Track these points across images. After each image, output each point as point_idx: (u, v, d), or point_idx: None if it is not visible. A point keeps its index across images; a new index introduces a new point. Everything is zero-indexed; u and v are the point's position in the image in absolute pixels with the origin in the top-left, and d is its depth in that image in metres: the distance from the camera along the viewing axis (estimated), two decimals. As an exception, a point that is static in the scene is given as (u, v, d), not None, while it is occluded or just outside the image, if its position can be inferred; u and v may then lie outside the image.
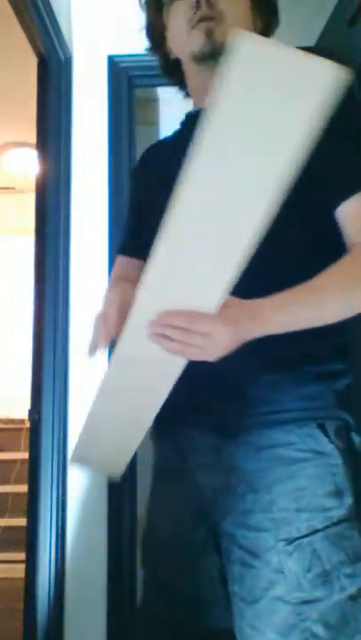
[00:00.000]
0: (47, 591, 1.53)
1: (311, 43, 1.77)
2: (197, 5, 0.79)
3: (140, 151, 1.87)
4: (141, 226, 0.96)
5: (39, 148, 1.80)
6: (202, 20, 0.80)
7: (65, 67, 1.83)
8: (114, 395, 0.74)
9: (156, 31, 0.91)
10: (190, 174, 0.53)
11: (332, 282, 0.71)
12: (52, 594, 1.53)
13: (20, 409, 3.62)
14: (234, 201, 0.55)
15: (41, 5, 1.56)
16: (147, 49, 0.96)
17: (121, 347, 0.68)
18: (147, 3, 0.91)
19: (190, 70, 0.89)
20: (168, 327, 0.62)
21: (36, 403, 1.64)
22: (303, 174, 0.75)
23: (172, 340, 0.62)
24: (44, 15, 1.60)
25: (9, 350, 4.06)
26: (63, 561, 1.57)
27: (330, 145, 0.75)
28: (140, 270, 0.95)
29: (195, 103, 0.93)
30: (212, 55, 0.80)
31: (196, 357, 0.65)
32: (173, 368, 0.68)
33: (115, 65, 1.83)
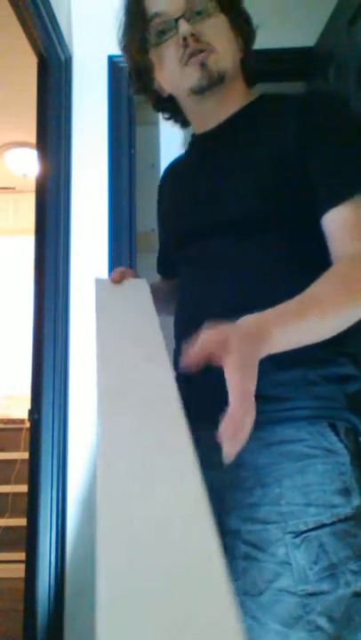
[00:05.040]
0: (47, 591, 1.53)
1: (311, 43, 1.77)
2: (185, 43, 0.81)
3: (140, 151, 1.88)
4: (164, 253, 1.09)
5: (39, 148, 1.80)
6: (192, 54, 0.82)
7: (65, 67, 1.83)
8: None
9: (143, 73, 0.93)
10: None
11: (330, 295, 0.68)
12: (52, 594, 1.53)
13: (20, 409, 3.63)
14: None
15: (41, 5, 1.56)
16: (136, 91, 0.98)
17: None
18: (129, 46, 0.92)
19: (189, 103, 0.91)
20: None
21: (36, 403, 1.64)
22: (293, 182, 0.78)
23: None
24: (44, 15, 1.60)
25: (9, 350, 4.06)
26: (63, 561, 1.57)
27: (318, 151, 0.77)
28: (169, 287, 1.07)
29: (196, 129, 0.96)
30: (210, 86, 0.83)
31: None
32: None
33: (115, 65, 1.83)
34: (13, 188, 4.16)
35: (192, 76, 0.83)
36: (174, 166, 1.08)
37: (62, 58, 1.81)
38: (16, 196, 4.24)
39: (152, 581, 0.38)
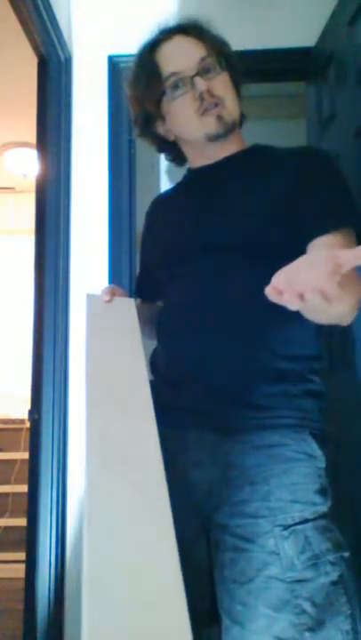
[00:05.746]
0: (47, 591, 1.53)
1: (311, 43, 1.77)
2: (201, 97, 0.95)
3: (140, 151, 1.88)
4: (147, 277, 1.18)
5: (39, 148, 1.80)
6: (208, 107, 0.96)
7: (65, 67, 1.83)
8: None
9: (152, 121, 1.05)
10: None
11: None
12: (51, 594, 1.53)
13: (20, 409, 3.63)
14: None
15: (41, 5, 1.56)
16: (139, 135, 1.11)
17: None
18: (144, 98, 1.02)
19: (199, 145, 1.02)
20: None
21: (35, 403, 1.64)
22: (286, 214, 0.89)
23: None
24: (44, 15, 1.60)
25: (9, 350, 4.06)
26: (63, 561, 1.57)
27: (309, 184, 0.90)
28: (149, 310, 1.17)
29: (195, 164, 1.07)
30: (225, 133, 0.98)
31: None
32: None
33: (115, 65, 1.82)
34: (13, 188, 4.16)
35: (210, 126, 0.97)
36: (166, 196, 1.19)
37: (62, 58, 1.81)
38: (16, 195, 4.24)
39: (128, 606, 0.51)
